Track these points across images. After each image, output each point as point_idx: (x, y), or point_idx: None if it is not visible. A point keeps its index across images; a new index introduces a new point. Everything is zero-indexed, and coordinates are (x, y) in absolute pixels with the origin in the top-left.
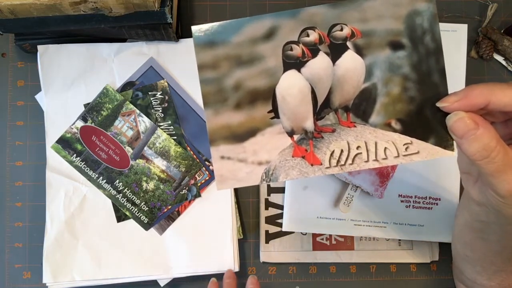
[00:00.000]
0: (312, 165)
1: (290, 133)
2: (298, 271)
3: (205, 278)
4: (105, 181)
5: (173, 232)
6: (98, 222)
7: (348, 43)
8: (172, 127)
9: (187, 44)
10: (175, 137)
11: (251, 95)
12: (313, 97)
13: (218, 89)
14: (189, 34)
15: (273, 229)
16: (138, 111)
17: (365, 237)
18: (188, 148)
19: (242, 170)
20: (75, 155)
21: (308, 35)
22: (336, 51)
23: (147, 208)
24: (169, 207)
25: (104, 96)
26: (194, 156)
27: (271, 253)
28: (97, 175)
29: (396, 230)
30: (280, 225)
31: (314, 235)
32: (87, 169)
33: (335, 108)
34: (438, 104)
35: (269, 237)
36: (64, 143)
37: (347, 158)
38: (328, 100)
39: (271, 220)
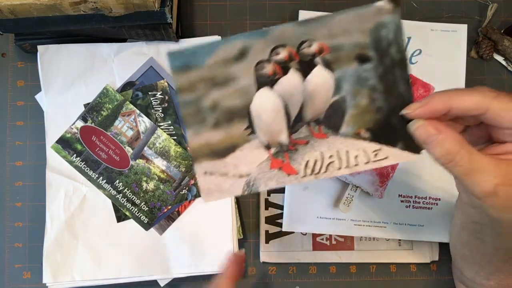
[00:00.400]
0: (289, 175)
1: (267, 147)
2: (298, 271)
3: (205, 278)
4: (105, 181)
5: (173, 232)
6: (98, 222)
7: (317, 59)
8: (172, 127)
9: (187, 44)
10: (175, 137)
11: (227, 114)
12: (286, 113)
13: (197, 110)
14: (189, 34)
15: (273, 229)
16: (138, 111)
17: (365, 237)
18: (188, 148)
19: (225, 183)
20: (75, 155)
21: (278, 53)
22: (306, 67)
23: (147, 208)
24: (169, 207)
25: (104, 96)
26: None
27: (271, 253)
28: (97, 175)
29: (396, 230)
30: (280, 225)
31: (314, 235)
32: (87, 169)
33: (308, 122)
34: (402, 112)
35: (269, 237)
36: (64, 143)
37: (321, 167)
38: (300, 114)
39: (271, 220)
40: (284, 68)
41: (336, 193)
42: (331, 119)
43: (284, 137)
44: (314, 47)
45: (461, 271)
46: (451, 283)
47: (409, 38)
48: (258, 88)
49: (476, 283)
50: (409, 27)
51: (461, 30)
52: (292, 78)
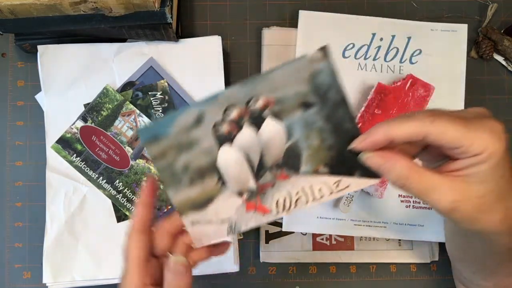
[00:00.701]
0: (264, 214)
1: (239, 194)
2: (298, 271)
3: (205, 278)
4: (105, 181)
5: None
6: (98, 222)
7: (266, 112)
8: None
9: (187, 44)
10: None
11: (199, 172)
12: (249, 163)
13: (172, 173)
14: (189, 34)
15: (273, 229)
16: (138, 111)
17: (365, 237)
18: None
19: (210, 229)
20: (75, 155)
21: (230, 114)
22: (257, 121)
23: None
24: (169, 207)
25: (104, 96)
26: None
27: (271, 253)
28: (97, 175)
29: (396, 230)
30: (280, 225)
31: (314, 235)
32: (87, 169)
33: (269, 167)
34: (349, 148)
35: (269, 237)
36: (64, 143)
37: (290, 203)
38: (262, 162)
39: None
40: (238, 125)
41: None
42: (290, 162)
43: (252, 184)
44: (260, 103)
45: (459, 271)
46: (451, 283)
47: (409, 38)
48: (220, 146)
49: (474, 283)
50: (409, 27)
51: (461, 30)
52: (246, 133)
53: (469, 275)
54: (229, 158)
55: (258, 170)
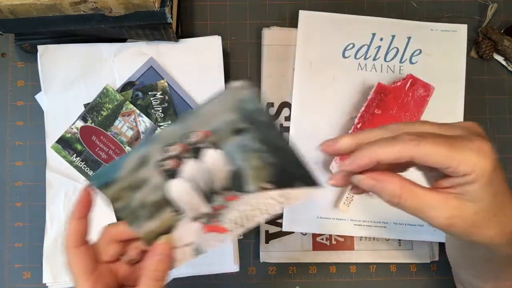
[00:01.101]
0: (222, 233)
1: (196, 219)
2: (298, 271)
3: (205, 278)
4: None
5: None
6: (98, 222)
7: (204, 144)
8: None
9: (187, 44)
10: None
11: (155, 207)
12: (198, 192)
13: (130, 212)
14: (189, 34)
15: (273, 229)
16: (138, 111)
17: (365, 237)
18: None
19: (178, 253)
20: (75, 155)
21: (172, 150)
22: (197, 153)
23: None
24: None
25: (104, 96)
26: None
27: (271, 253)
28: None
29: (396, 230)
30: (280, 225)
31: (314, 235)
32: (87, 169)
33: (218, 191)
34: (339, 169)
35: (269, 237)
36: (64, 143)
37: (245, 220)
38: (210, 188)
39: (271, 220)
40: (180, 159)
41: (336, 193)
42: (236, 184)
43: (205, 209)
44: (196, 136)
45: (459, 274)
46: (451, 283)
47: (409, 38)
48: (167, 181)
49: (473, 286)
50: (409, 27)
51: (461, 30)
52: (190, 165)
53: (468, 278)
54: (179, 189)
55: (209, 195)
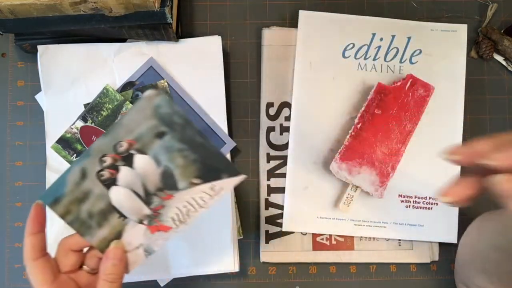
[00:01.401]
0: (167, 231)
1: (140, 221)
2: (298, 271)
3: (205, 278)
4: None
5: None
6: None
7: (132, 151)
8: None
9: (187, 44)
10: None
11: (102, 215)
12: (136, 195)
13: (81, 223)
14: (189, 34)
15: (273, 229)
16: None
17: (365, 237)
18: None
19: (131, 256)
20: (75, 155)
21: (105, 161)
22: (128, 160)
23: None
24: None
25: (104, 96)
26: None
27: (271, 253)
28: None
29: (396, 230)
30: (280, 225)
31: (314, 235)
32: None
33: (154, 193)
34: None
35: (269, 237)
36: (64, 143)
37: (184, 215)
38: (145, 190)
39: (271, 220)
40: (115, 168)
41: (336, 193)
42: (168, 183)
43: (146, 211)
44: (124, 145)
45: (470, 277)
46: (451, 283)
47: (409, 38)
48: (108, 189)
49: None
50: (409, 27)
51: (461, 30)
52: (124, 172)
53: (483, 284)
54: (119, 196)
55: (148, 197)
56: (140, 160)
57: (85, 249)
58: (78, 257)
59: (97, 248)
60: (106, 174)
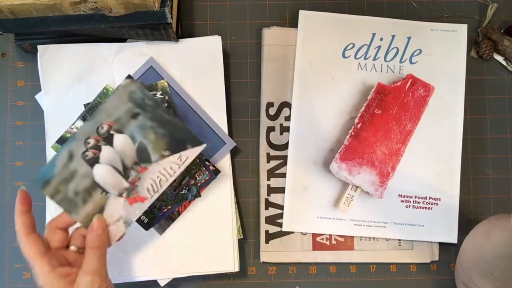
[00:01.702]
0: (143, 201)
1: (120, 195)
2: (298, 271)
3: (205, 278)
4: None
5: (173, 232)
6: None
7: (111, 132)
8: None
9: (187, 44)
10: None
11: (86, 192)
12: (116, 170)
13: (69, 201)
14: (189, 34)
15: (273, 229)
16: None
17: (365, 237)
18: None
19: (113, 228)
20: None
21: (89, 142)
22: (109, 140)
23: (147, 208)
24: (169, 207)
25: (104, 96)
26: None
27: (271, 253)
28: None
29: (396, 230)
30: (280, 225)
31: (314, 235)
32: None
33: (131, 167)
34: None
35: (269, 237)
36: (64, 143)
37: (157, 185)
38: (124, 165)
39: (271, 220)
40: (98, 148)
41: (336, 193)
42: (142, 157)
43: (125, 184)
44: (105, 127)
45: (473, 281)
46: (451, 283)
47: (409, 38)
48: (92, 167)
49: None
50: (409, 27)
51: (461, 30)
52: (105, 151)
53: (485, 286)
54: (101, 172)
55: (126, 171)
56: (118, 139)
57: (71, 229)
58: (65, 235)
59: (81, 224)
60: (89, 154)
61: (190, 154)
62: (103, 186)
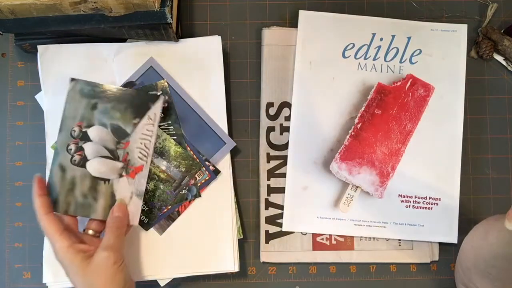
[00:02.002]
0: (142, 171)
1: (120, 175)
2: (298, 271)
3: (205, 278)
4: None
5: (173, 232)
6: None
7: (84, 129)
8: (172, 127)
9: (187, 44)
10: (175, 137)
11: (92, 189)
12: (106, 157)
13: (81, 206)
14: (189, 34)
15: (273, 229)
16: None
17: (365, 237)
18: (188, 148)
19: (132, 206)
20: None
21: (71, 149)
22: (85, 137)
23: (147, 208)
24: (169, 207)
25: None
26: (194, 156)
27: (271, 253)
28: None
29: (396, 230)
30: (280, 225)
31: (314, 235)
32: None
33: (116, 148)
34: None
35: (269, 237)
36: None
37: (145, 149)
38: (110, 149)
39: (271, 220)
40: (81, 149)
41: (336, 193)
42: (120, 135)
43: (118, 164)
44: (76, 129)
45: (472, 281)
46: (451, 283)
47: (409, 38)
48: (85, 167)
49: None
50: (409, 27)
51: (461, 30)
52: (88, 147)
53: (485, 287)
54: (94, 166)
55: (113, 155)
56: (92, 132)
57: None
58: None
59: (104, 219)
60: (77, 157)
61: (156, 110)
62: (102, 176)
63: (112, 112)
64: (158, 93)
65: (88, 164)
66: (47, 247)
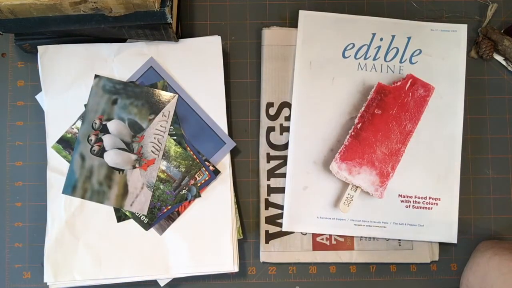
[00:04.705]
0: (154, 163)
1: (134, 167)
2: (298, 271)
3: (205, 278)
4: None
5: (173, 232)
6: (99, 222)
7: (104, 122)
8: (172, 127)
9: (187, 44)
10: (175, 137)
11: (107, 178)
12: (122, 149)
13: (97, 193)
14: (189, 34)
15: (273, 229)
16: None
17: (365, 237)
18: (188, 148)
19: (140, 196)
20: None
21: (91, 140)
22: (105, 130)
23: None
24: (169, 207)
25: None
26: (194, 156)
27: (271, 253)
28: None
29: (396, 230)
30: (280, 225)
31: (314, 235)
32: None
33: (131, 141)
34: None
35: (269, 237)
36: (65, 143)
37: (158, 144)
38: (126, 142)
39: (271, 220)
40: (100, 140)
41: (336, 193)
42: (136, 129)
43: (133, 157)
44: (97, 122)
45: None
46: (451, 283)
47: (409, 38)
48: (102, 157)
49: None
50: (409, 27)
51: (461, 30)
52: (106, 139)
53: None
54: (111, 156)
55: (128, 148)
56: (112, 125)
57: None
58: None
59: (115, 206)
60: (96, 148)
61: (170, 108)
62: (117, 167)
63: (130, 107)
64: (176, 95)
65: (105, 155)
66: (48, 247)
